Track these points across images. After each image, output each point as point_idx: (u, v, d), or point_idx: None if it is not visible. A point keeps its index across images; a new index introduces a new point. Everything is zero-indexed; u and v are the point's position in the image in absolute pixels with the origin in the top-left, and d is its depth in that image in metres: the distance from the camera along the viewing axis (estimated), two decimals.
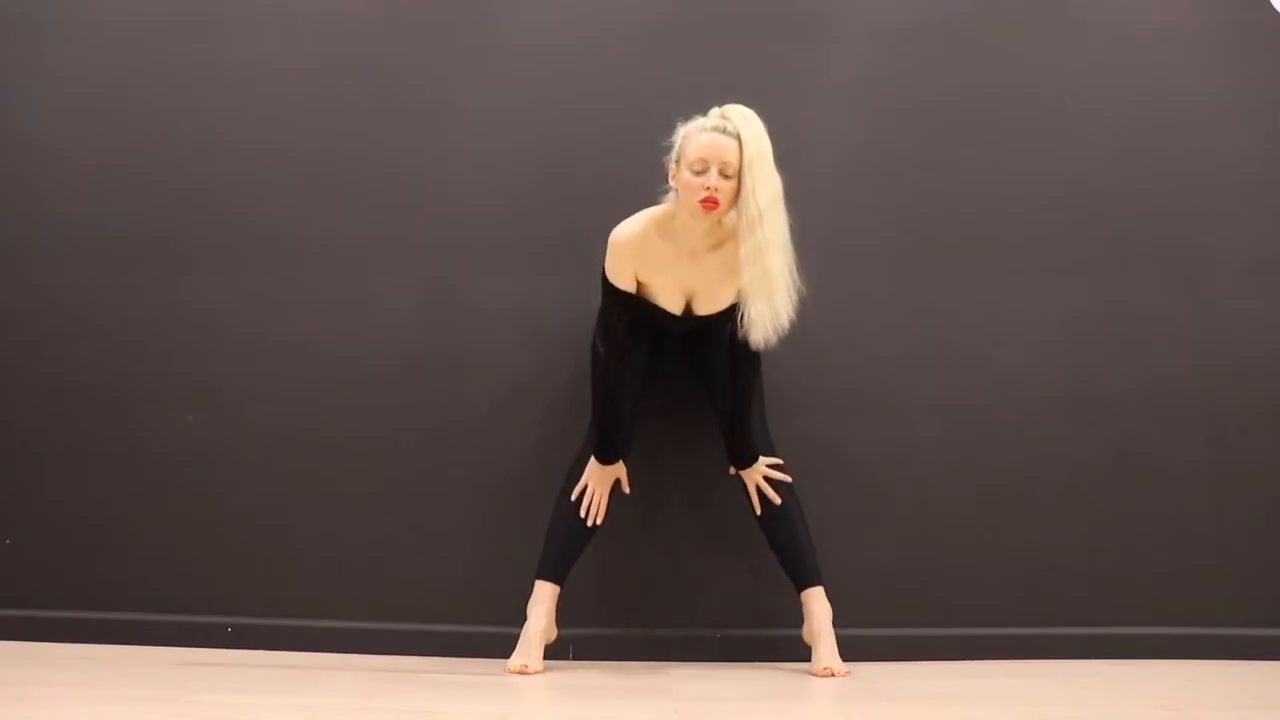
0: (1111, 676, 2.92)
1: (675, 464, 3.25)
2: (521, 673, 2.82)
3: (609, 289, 2.95)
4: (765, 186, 2.80)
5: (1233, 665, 3.10)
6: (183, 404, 3.24)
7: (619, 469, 3.05)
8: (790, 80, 3.33)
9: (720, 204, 2.81)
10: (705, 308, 2.99)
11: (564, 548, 2.98)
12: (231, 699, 2.44)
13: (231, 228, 3.31)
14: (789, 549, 3.00)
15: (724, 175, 2.81)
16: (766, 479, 3.02)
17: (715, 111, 2.87)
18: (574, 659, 3.11)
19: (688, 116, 2.92)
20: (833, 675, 2.87)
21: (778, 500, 3.02)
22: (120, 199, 3.31)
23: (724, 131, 2.83)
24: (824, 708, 2.50)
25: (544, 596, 2.95)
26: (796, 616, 3.04)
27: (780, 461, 3.05)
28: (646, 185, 2.99)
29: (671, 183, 2.90)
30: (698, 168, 2.82)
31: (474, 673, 2.85)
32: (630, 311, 2.95)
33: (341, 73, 3.34)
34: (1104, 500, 3.28)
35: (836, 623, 3.00)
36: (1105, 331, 3.33)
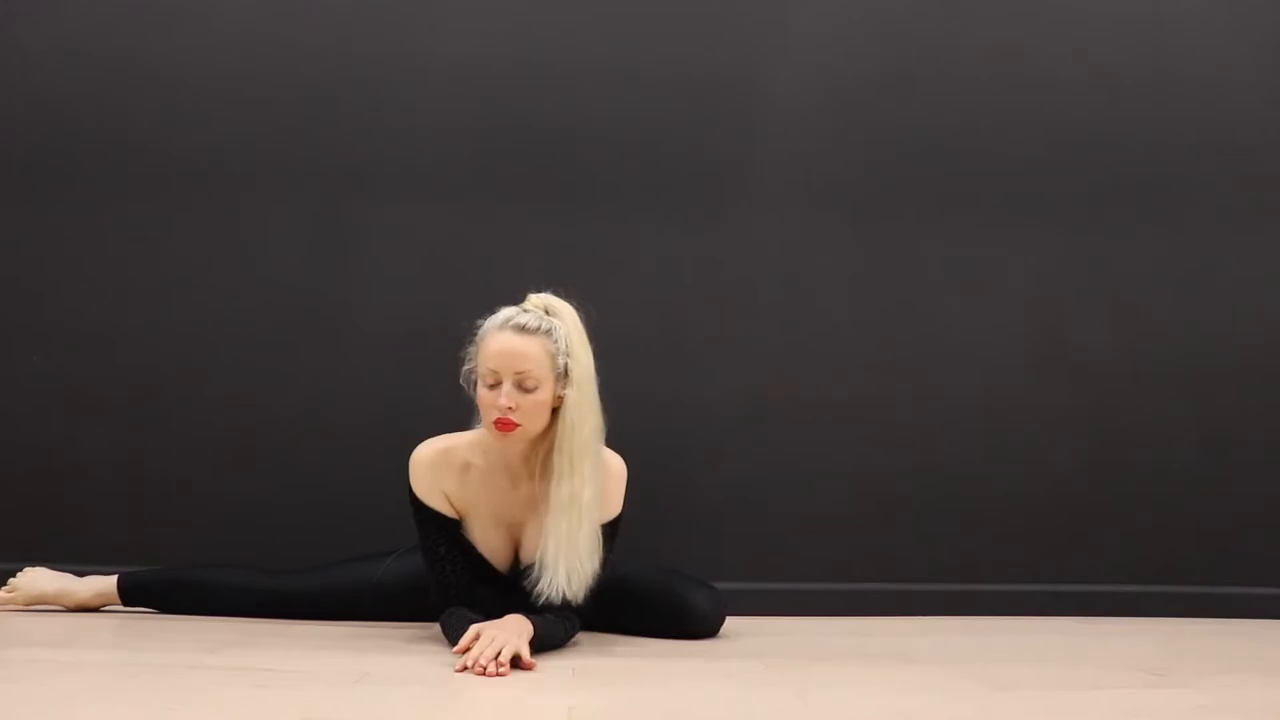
0: (1086, 634, 2.83)
1: None
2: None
3: (418, 512, 2.41)
4: (585, 409, 2.31)
5: (1206, 623, 3.06)
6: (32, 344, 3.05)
7: (522, 625, 2.25)
8: (759, 12, 3.20)
9: (522, 424, 2.30)
10: (537, 551, 2.37)
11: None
12: (52, 655, 2.23)
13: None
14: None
15: (522, 388, 2.30)
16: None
17: (510, 309, 2.37)
18: None
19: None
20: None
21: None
22: None
23: (522, 329, 2.32)
24: (757, 667, 2.30)
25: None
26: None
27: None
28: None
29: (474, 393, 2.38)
30: (489, 380, 2.31)
31: (352, 630, 2.59)
32: (455, 549, 2.40)
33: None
34: (1075, 454, 3.22)
35: (786, 576, 3.05)
36: (1082, 283, 3.25)
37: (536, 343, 2.31)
